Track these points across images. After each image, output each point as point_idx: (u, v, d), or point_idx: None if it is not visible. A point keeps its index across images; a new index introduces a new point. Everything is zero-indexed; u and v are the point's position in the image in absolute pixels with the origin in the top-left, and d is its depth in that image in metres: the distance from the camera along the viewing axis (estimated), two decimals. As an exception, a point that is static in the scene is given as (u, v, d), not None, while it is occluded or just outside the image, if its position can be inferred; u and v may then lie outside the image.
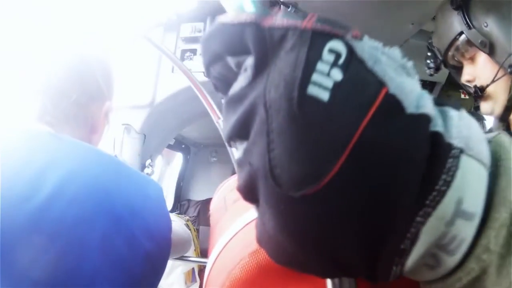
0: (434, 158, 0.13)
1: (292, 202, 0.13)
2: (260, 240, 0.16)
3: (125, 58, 1.09)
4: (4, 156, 0.36)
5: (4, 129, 0.40)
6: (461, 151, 0.14)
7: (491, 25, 0.64)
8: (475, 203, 0.14)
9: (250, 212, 0.28)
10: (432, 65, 0.79)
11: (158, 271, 0.46)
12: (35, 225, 0.34)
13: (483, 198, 0.14)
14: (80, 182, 0.38)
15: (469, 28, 0.66)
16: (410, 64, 0.15)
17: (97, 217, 0.37)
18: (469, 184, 0.13)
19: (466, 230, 0.14)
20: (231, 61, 0.15)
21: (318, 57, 0.13)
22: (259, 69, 0.14)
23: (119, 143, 1.09)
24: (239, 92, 0.14)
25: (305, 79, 0.12)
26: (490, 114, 0.70)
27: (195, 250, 1.93)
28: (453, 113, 0.15)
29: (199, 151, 2.58)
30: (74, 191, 0.37)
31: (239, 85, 0.14)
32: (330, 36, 0.13)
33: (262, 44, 0.13)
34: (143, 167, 1.18)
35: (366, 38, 0.14)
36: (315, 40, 0.13)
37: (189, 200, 2.48)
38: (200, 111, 0.93)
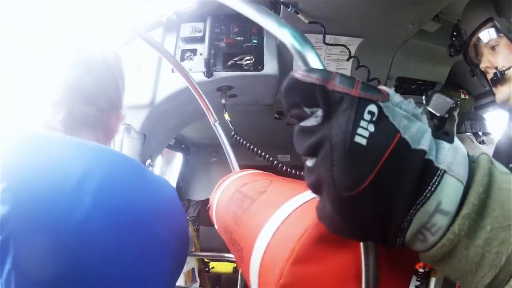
0: (425, 177, 0.22)
1: (342, 198, 0.22)
2: (320, 217, 0.26)
3: (125, 58, 1.08)
4: (42, 167, 0.36)
5: (38, 137, 0.40)
6: (445, 171, 0.22)
7: None
8: (450, 204, 0.22)
9: (295, 199, 0.37)
10: (457, 43, 0.83)
11: (180, 267, 0.49)
12: (79, 238, 0.35)
13: (458, 201, 0.22)
14: (114, 190, 0.39)
15: (499, 15, 0.70)
16: (419, 110, 0.24)
17: (131, 223, 0.39)
18: (447, 193, 0.22)
19: (442, 221, 0.22)
20: (306, 109, 0.23)
21: (361, 117, 0.22)
22: (326, 118, 0.23)
23: (119, 143, 1.09)
24: (310, 127, 0.23)
25: (354, 132, 0.21)
26: (507, 99, 0.72)
27: (195, 249, 1.93)
28: (444, 145, 0.23)
29: (199, 151, 2.58)
30: (109, 201, 0.38)
31: (310, 123, 0.23)
32: (369, 101, 0.22)
33: (328, 103, 0.22)
34: (143, 167, 1.18)
35: (391, 96, 0.23)
36: (360, 105, 0.22)
37: (189, 200, 2.48)
38: (200, 111, 0.93)
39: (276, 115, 1.41)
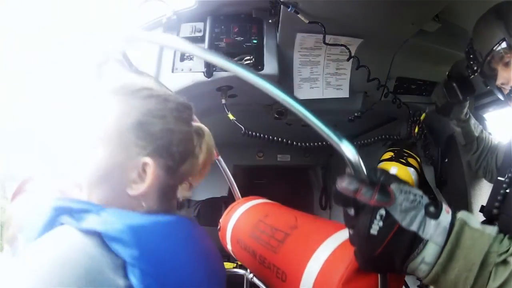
0: (414, 245, 0.38)
1: (367, 257, 0.41)
2: (356, 259, 0.43)
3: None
4: (165, 255, 0.42)
5: (140, 229, 0.41)
6: (428, 240, 0.38)
7: None
8: (430, 259, 0.38)
9: (333, 238, 0.56)
10: (475, 66, 0.87)
11: None
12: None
13: (436, 256, 0.38)
14: (198, 249, 0.49)
15: (511, 35, 0.74)
16: (415, 203, 0.39)
17: (215, 273, 0.52)
18: (428, 253, 0.38)
19: (426, 267, 0.39)
20: (347, 208, 0.40)
21: (374, 218, 0.38)
22: (356, 214, 0.39)
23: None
24: (350, 214, 0.40)
25: (369, 228, 0.38)
26: None
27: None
28: (431, 221, 0.39)
29: (199, 151, 2.56)
30: (200, 260, 0.48)
31: (350, 212, 0.40)
32: (380, 207, 0.38)
33: (357, 206, 0.39)
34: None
35: (397, 197, 0.38)
36: (375, 210, 0.38)
37: (189, 200, 2.47)
38: (200, 111, 0.93)
39: (276, 115, 1.40)
